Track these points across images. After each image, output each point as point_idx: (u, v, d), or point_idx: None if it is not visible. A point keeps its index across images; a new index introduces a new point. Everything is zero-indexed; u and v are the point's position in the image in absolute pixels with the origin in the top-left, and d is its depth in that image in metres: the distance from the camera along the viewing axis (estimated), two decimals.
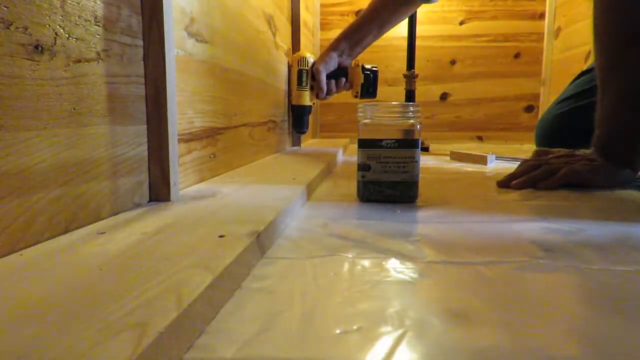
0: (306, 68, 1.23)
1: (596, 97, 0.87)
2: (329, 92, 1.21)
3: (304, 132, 1.35)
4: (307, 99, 1.25)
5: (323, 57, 1.19)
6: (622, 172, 0.73)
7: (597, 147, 0.75)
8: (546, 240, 0.45)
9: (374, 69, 1.27)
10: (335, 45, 1.19)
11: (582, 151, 0.77)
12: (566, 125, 0.92)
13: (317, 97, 1.24)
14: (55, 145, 0.37)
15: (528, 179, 0.74)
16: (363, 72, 1.25)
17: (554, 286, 0.34)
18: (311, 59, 1.25)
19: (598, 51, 0.74)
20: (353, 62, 1.26)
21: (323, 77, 1.17)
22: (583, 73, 0.97)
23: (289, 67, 1.27)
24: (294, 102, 1.26)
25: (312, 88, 1.24)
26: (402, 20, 1.27)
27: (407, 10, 1.23)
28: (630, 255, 0.41)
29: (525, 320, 0.28)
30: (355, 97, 1.26)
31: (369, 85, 1.27)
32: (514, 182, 0.74)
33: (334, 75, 1.21)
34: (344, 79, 1.22)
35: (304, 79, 1.23)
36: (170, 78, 0.51)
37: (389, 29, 1.25)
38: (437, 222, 0.53)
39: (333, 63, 1.19)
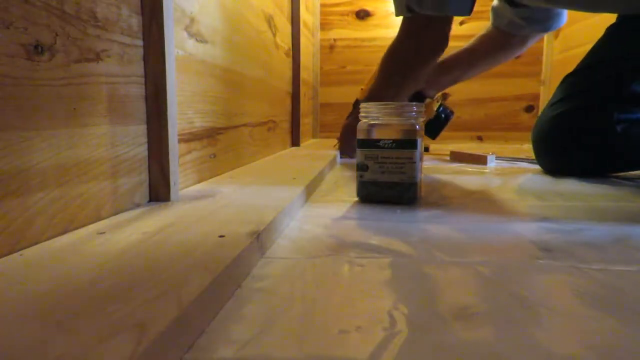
0: None
1: (587, 99, 0.88)
2: None
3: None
4: None
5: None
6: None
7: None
8: (545, 240, 0.45)
9: (449, 112, 1.22)
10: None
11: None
12: (563, 126, 0.92)
13: None
14: (55, 145, 0.37)
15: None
16: (437, 111, 1.20)
17: (554, 286, 0.34)
18: None
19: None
20: (437, 96, 1.21)
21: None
22: (568, 76, 0.98)
23: None
24: None
25: None
26: (488, 67, 1.23)
27: (496, 54, 1.19)
28: (629, 255, 0.41)
29: (525, 320, 0.28)
30: None
31: (434, 126, 1.21)
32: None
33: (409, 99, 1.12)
34: None
35: None
36: (170, 78, 0.51)
37: (476, 73, 1.23)
38: (436, 222, 0.53)
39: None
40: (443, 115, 1.22)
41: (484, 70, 1.25)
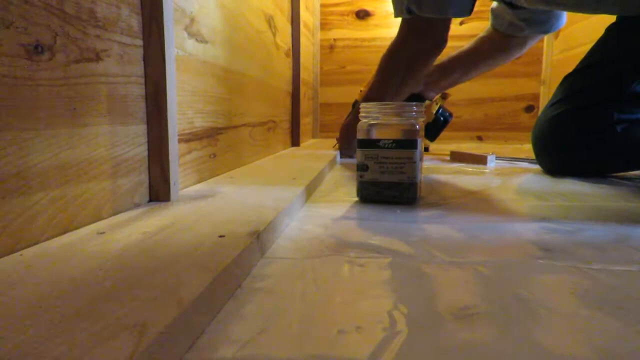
0: None
1: (587, 99, 0.89)
2: None
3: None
4: None
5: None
6: None
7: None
8: (545, 240, 0.45)
9: (447, 115, 1.23)
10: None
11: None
12: (563, 126, 0.92)
13: None
14: (55, 145, 0.37)
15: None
16: (435, 114, 1.21)
17: (554, 286, 0.34)
18: None
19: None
20: (436, 97, 1.22)
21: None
22: (568, 76, 0.98)
23: None
24: None
25: None
26: (487, 68, 1.24)
27: (495, 56, 1.20)
28: (629, 255, 0.41)
29: (525, 320, 0.28)
30: None
31: (432, 129, 1.23)
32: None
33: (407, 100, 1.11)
34: None
35: None
36: (170, 78, 0.51)
37: (475, 75, 1.23)
38: (436, 222, 0.53)
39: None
40: (442, 118, 1.23)
41: (483, 72, 1.25)
